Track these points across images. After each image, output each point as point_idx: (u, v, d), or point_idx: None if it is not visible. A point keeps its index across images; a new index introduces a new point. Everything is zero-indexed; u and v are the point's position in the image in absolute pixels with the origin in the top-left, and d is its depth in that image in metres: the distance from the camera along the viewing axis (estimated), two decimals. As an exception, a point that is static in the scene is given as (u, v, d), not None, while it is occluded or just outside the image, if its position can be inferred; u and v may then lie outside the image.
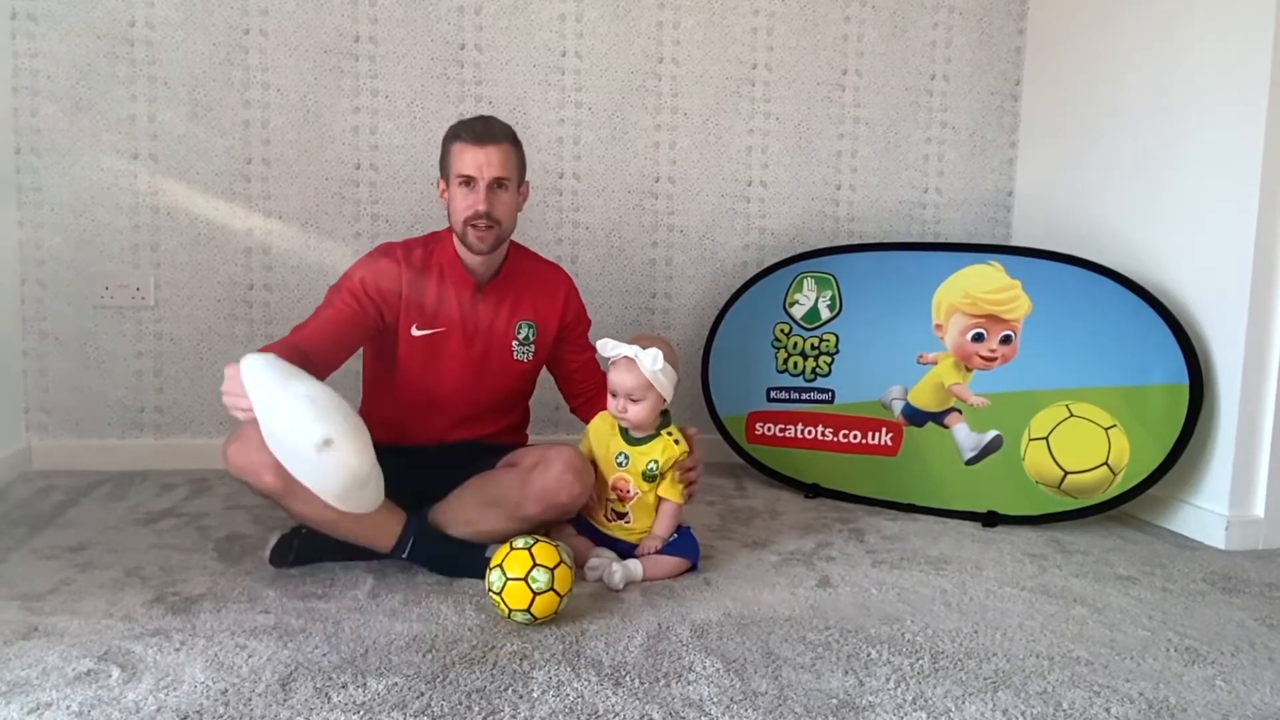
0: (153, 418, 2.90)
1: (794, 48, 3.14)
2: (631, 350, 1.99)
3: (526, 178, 2.17)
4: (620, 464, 2.07)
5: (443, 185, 2.12)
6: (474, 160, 2.03)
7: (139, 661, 1.56)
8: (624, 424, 2.06)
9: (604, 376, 2.24)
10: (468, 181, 2.04)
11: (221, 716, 1.39)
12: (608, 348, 2.03)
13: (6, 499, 2.51)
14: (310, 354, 1.92)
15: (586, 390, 2.32)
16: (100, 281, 2.81)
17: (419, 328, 2.11)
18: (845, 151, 3.21)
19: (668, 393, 2.03)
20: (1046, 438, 2.52)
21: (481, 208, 2.03)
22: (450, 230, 2.15)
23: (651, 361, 1.97)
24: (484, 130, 2.05)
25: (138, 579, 1.94)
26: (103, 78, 2.75)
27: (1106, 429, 2.45)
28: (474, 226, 2.04)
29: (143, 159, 2.80)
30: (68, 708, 1.40)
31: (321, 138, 2.88)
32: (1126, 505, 2.48)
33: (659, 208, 3.12)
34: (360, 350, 2.17)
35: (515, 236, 2.20)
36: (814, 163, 3.20)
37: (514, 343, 2.19)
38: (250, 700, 1.44)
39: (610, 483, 2.08)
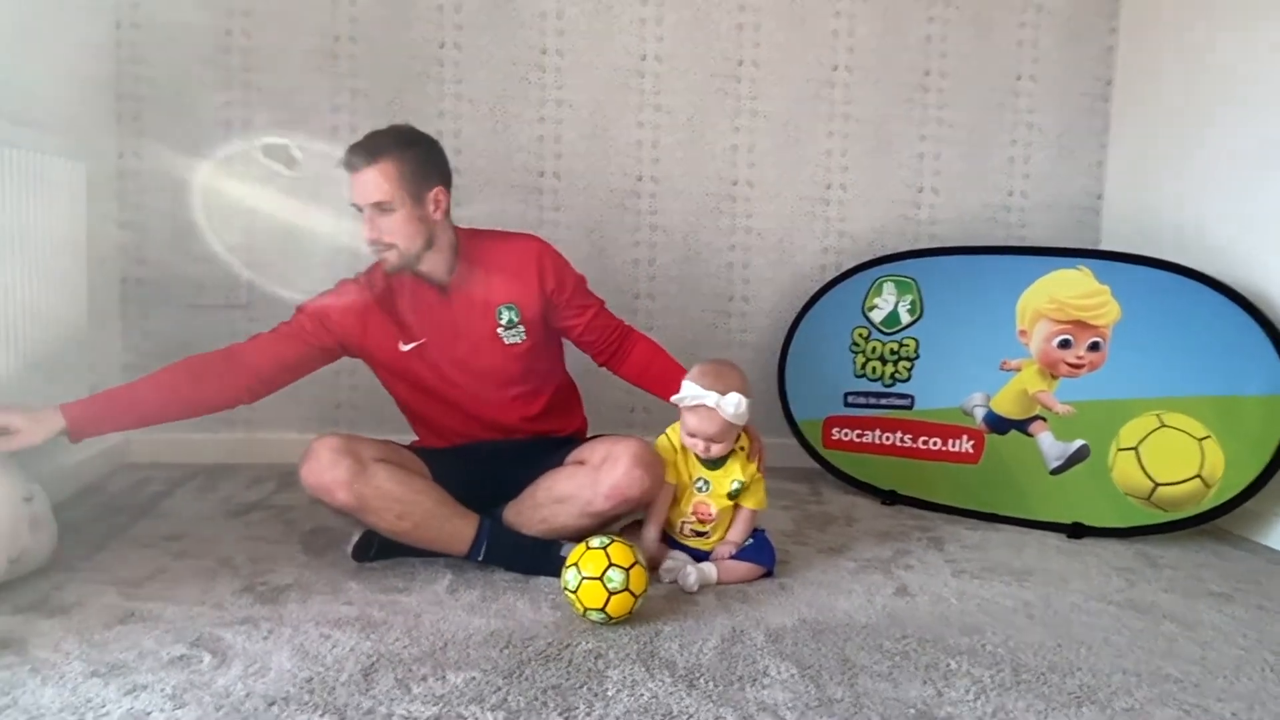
0: (243, 413, 2.96)
1: (875, 49, 3.10)
2: (711, 400, 1.95)
3: (436, 184, 2.04)
4: (700, 489, 2.05)
5: None
6: (352, 189, 1.99)
7: (229, 648, 1.62)
8: (704, 458, 2.04)
9: (619, 325, 2.24)
10: (358, 210, 2.01)
11: (306, 704, 1.43)
12: (685, 400, 1.98)
13: (106, 489, 2.62)
14: (242, 370, 2.06)
15: (607, 345, 2.24)
16: (196, 282, 2.92)
17: (404, 342, 2.11)
18: (927, 154, 3.16)
19: (746, 421, 2.01)
20: (1136, 448, 2.44)
21: (368, 235, 2.01)
22: None
23: (734, 408, 1.94)
24: (352, 156, 1.98)
25: (228, 568, 2.01)
26: (201, 83, 2.86)
27: (1200, 440, 2.37)
28: (374, 253, 2.04)
29: (235, 161, 2.90)
30: (162, 690, 1.46)
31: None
32: (1220, 519, 2.39)
33: (736, 211, 3.12)
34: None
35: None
36: (895, 165, 3.15)
37: (499, 329, 2.12)
38: (334, 689, 1.48)
39: (690, 509, 2.06)
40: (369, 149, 1.98)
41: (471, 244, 2.14)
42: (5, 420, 1.85)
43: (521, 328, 2.13)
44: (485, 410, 2.16)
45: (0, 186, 2.01)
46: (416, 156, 2.01)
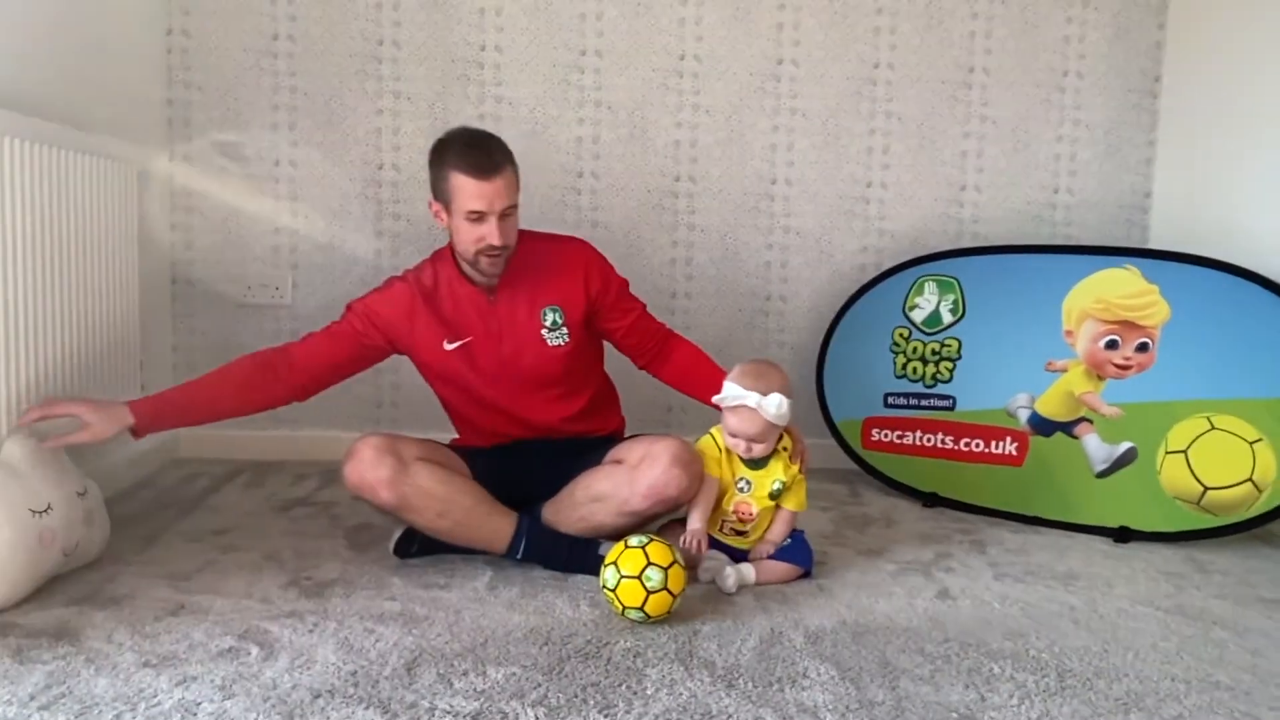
0: (288, 411, 2.99)
1: (918, 46, 3.07)
2: (753, 400, 1.95)
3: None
4: (742, 489, 2.05)
5: (437, 207, 2.08)
6: (481, 196, 1.97)
7: (276, 641, 1.65)
8: (746, 458, 2.04)
9: (661, 328, 2.26)
10: (478, 216, 1.99)
11: (351, 697, 1.45)
12: (727, 400, 1.99)
13: (156, 484, 2.68)
14: (298, 369, 2.09)
15: (647, 349, 2.25)
16: (243, 281, 2.97)
17: (449, 341, 2.12)
18: (970, 151, 3.12)
19: (787, 422, 2.00)
20: (1185, 451, 2.40)
21: (497, 242, 2.00)
22: (449, 245, 2.15)
23: (776, 408, 1.94)
24: (487, 162, 1.97)
25: (274, 563, 2.05)
26: (248, 87, 2.91)
27: (1251, 443, 2.32)
28: (487, 255, 2.03)
29: (283, 165, 2.95)
30: (212, 681, 1.49)
31: (448, 143, 2.98)
32: (1272, 524, 2.34)
33: (775, 210, 3.11)
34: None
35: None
36: (937, 163, 3.12)
37: (543, 330, 2.13)
38: (378, 682, 1.50)
39: (732, 508, 2.06)
40: (503, 154, 2.01)
41: (522, 244, 2.15)
42: (77, 411, 1.90)
43: (565, 329, 2.15)
44: (526, 410, 2.18)
45: (56, 188, 2.06)
46: (515, 163, 2.07)
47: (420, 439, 2.08)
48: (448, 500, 1.97)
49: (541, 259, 2.16)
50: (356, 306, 2.15)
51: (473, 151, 1.99)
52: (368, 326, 2.12)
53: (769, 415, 1.95)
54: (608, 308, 2.20)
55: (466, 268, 2.11)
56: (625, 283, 2.25)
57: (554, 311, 2.14)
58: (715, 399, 2.03)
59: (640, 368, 2.31)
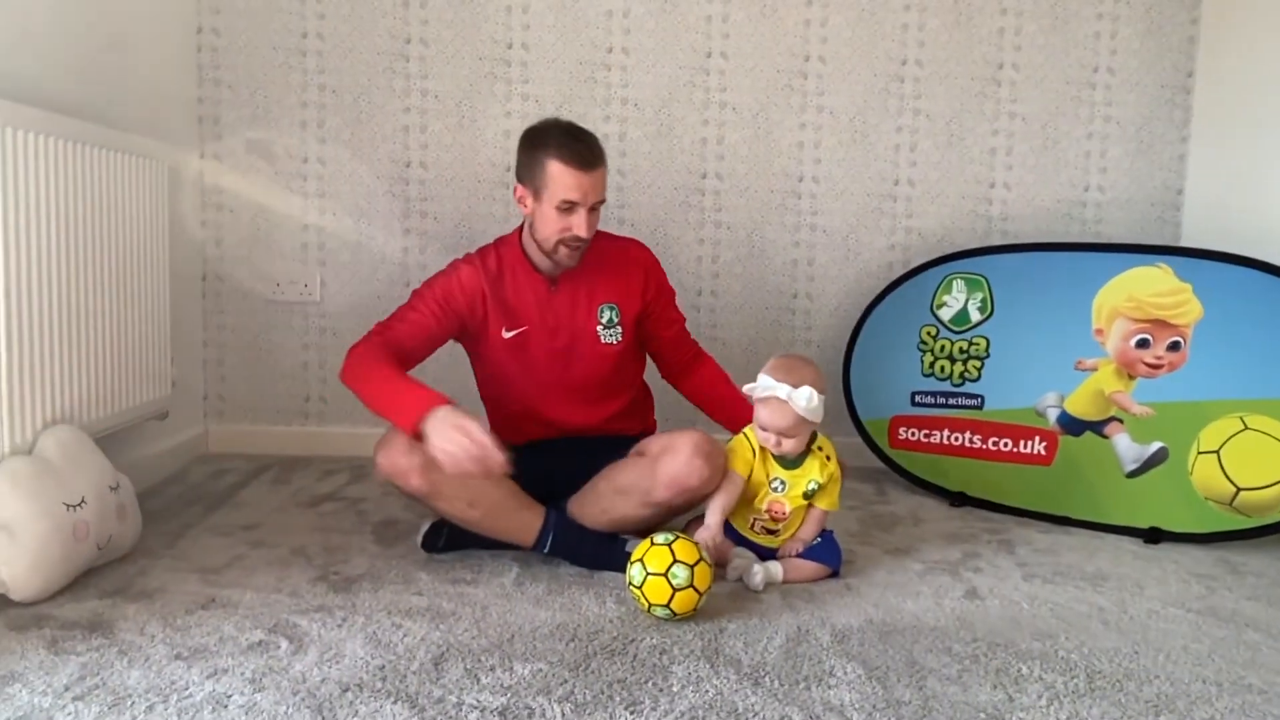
0: (317, 407, 3.08)
1: (947, 42, 3.05)
2: (783, 392, 1.94)
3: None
4: (776, 489, 2.04)
5: (522, 192, 2.10)
6: (580, 186, 2.01)
7: (305, 635, 1.66)
8: (777, 453, 2.03)
9: (695, 345, 2.32)
10: (570, 207, 2.02)
11: (379, 691, 1.47)
12: (757, 390, 1.98)
13: (186, 479, 2.71)
14: (407, 355, 2.06)
15: (679, 362, 2.31)
16: (272, 278, 3.00)
17: (507, 329, 2.15)
18: (999, 148, 3.10)
19: (820, 418, 1.98)
20: (1217, 451, 2.37)
21: (583, 234, 2.03)
22: (516, 232, 2.18)
23: (806, 401, 1.93)
24: (588, 154, 2.02)
25: (303, 558, 2.07)
26: (277, 85, 2.94)
27: (1286, 444, 2.29)
28: (568, 246, 2.06)
29: (312, 163, 2.97)
30: (242, 674, 1.51)
31: (475, 141, 2.99)
32: (1308, 526, 2.31)
33: (802, 207, 3.10)
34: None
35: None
36: (965, 160, 3.10)
37: (598, 327, 2.17)
38: (405, 677, 1.51)
39: (765, 507, 2.05)
40: (600, 149, 2.07)
41: None
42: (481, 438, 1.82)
43: (619, 329, 2.19)
44: (566, 408, 2.20)
45: (90, 186, 2.09)
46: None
47: None
48: (478, 491, 1.97)
49: (602, 256, 2.19)
50: (434, 293, 2.13)
51: (575, 143, 2.03)
52: (448, 310, 2.12)
53: (799, 408, 1.94)
54: (657, 314, 2.26)
55: (536, 255, 2.14)
56: (674, 293, 2.32)
57: (610, 309, 2.18)
58: (746, 389, 2.03)
59: (664, 377, 2.38)
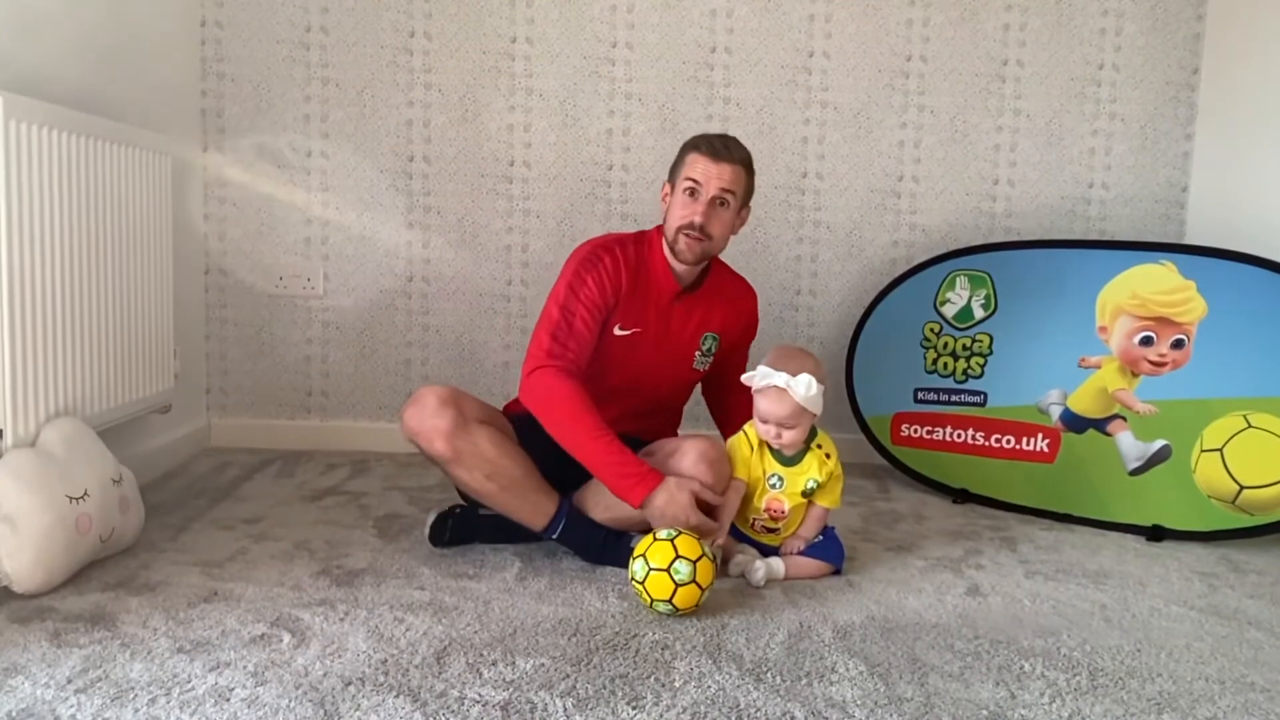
0: (319, 401, 3.07)
1: (951, 39, 3.04)
2: (781, 380, 1.94)
3: (748, 206, 2.16)
4: (774, 485, 2.04)
5: (667, 189, 2.14)
6: (704, 171, 2.05)
7: (307, 629, 1.66)
8: (777, 446, 2.03)
9: (739, 380, 2.24)
10: (693, 191, 2.05)
11: (381, 685, 1.47)
12: (756, 378, 1.98)
13: (189, 473, 2.71)
14: (585, 373, 2.05)
15: (737, 406, 2.24)
16: (274, 271, 3.00)
17: (622, 327, 2.13)
18: (1004, 145, 3.09)
19: (819, 409, 1.98)
20: (1221, 449, 2.36)
21: (698, 220, 2.04)
22: (658, 231, 2.17)
23: (805, 389, 1.93)
24: (723, 147, 2.07)
25: (305, 551, 2.07)
26: (280, 79, 2.93)
27: (1290, 442, 2.28)
28: (686, 234, 2.06)
29: (315, 156, 2.97)
30: (244, 668, 1.51)
31: (478, 135, 2.99)
32: (1311, 525, 2.30)
33: (805, 204, 3.09)
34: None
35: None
36: (970, 157, 3.09)
37: (697, 352, 2.21)
38: (408, 671, 1.51)
39: (763, 506, 2.05)
40: (741, 151, 2.11)
41: (716, 268, 2.25)
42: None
43: (711, 359, 2.24)
44: (626, 407, 2.17)
45: (95, 179, 2.09)
46: (752, 178, 2.15)
47: (480, 400, 2.08)
48: (499, 465, 1.96)
49: (721, 288, 2.24)
50: (590, 294, 2.06)
51: (715, 138, 2.10)
52: (604, 305, 2.08)
53: (798, 396, 1.93)
54: (736, 359, 2.30)
55: (669, 255, 2.13)
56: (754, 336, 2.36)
57: (713, 339, 2.22)
58: (744, 378, 2.03)
59: (717, 421, 2.37)
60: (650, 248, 2.17)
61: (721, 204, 2.07)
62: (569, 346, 2.02)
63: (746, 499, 2.05)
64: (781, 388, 1.94)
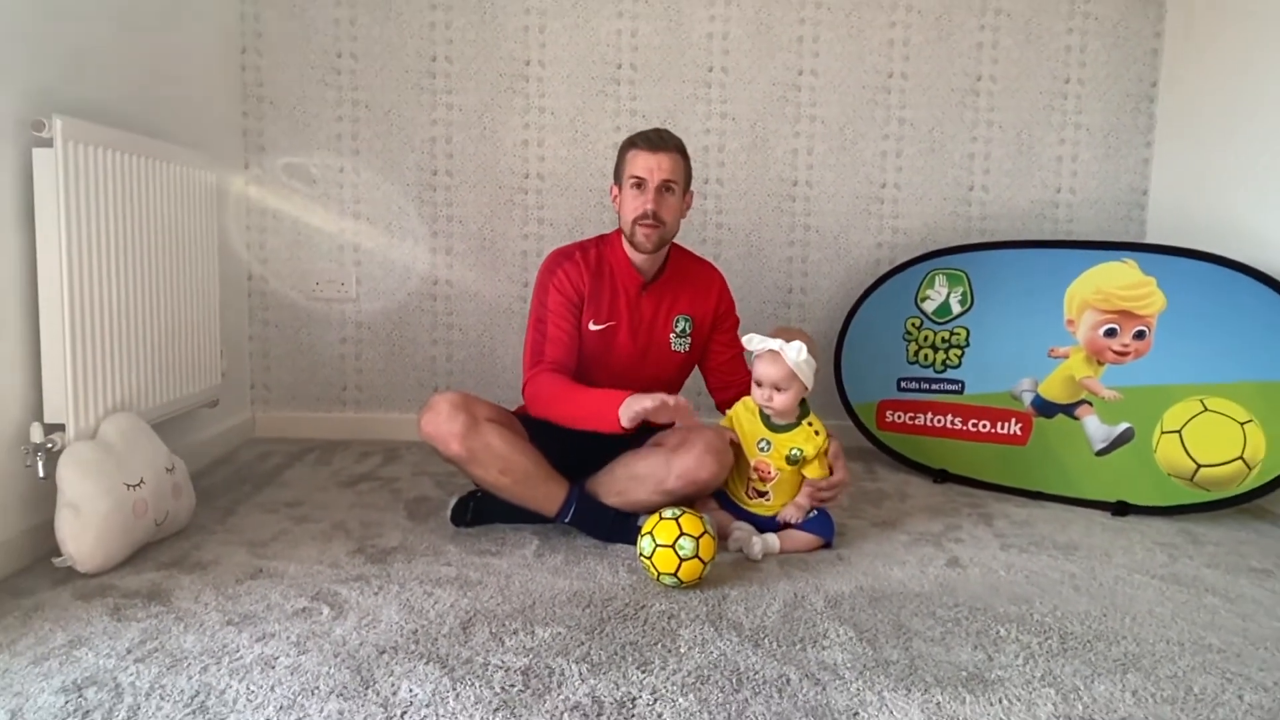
0: (353, 395, 3.08)
1: (929, 57, 3.03)
2: (776, 344, 1.98)
3: (690, 189, 2.18)
4: (762, 449, 2.05)
5: (615, 190, 2.15)
6: (646, 164, 2.06)
7: (344, 602, 1.67)
8: (768, 411, 2.04)
9: (747, 375, 2.22)
10: (639, 184, 2.07)
11: (413, 653, 1.47)
12: (753, 342, 2.02)
13: (235, 461, 2.72)
14: (571, 368, 2.10)
15: (731, 384, 2.27)
16: (312, 277, 3.00)
17: (595, 322, 2.15)
18: (978, 154, 3.08)
19: (809, 382, 2.00)
20: (1179, 431, 2.36)
21: (650, 208, 2.06)
22: (618, 232, 2.18)
23: (796, 353, 1.96)
24: (656, 138, 2.09)
25: (342, 532, 2.08)
26: (314, 101, 2.94)
27: (1242, 424, 2.27)
28: (642, 225, 2.07)
29: (347, 172, 2.97)
30: (288, 638, 1.51)
31: (495, 151, 2.99)
32: (1262, 499, 2.29)
33: (796, 210, 3.08)
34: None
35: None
36: (947, 165, 3.08)
37: (672, 335, 2.20)
38: (436, 640, 1.52)
39: (753, 464, 2.07)
40: (673, 140, 2.11)
41: (676, 254, 2.24)
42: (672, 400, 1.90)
43: (688, 339, 2.22)
44: None
45: (144, 195, 2.10)
46: (689, 163, 2.16)
47: (490, 402, 2.09)
48: (511, 460, 1.97)
49: (685, 272, 2.23)
50: (558, 301, 2.12)
51: (650, 133, 2.11)
52: (573, 309, 2.12)
53: (789, 359, 1.96)
54: (722, 334, 2.27)
55: (629, 249, 2.15)
56: (738, 321, 2.32)
57: (685, 320, 2.21)
58: (743, 340, 2.05)
59: (710, 391, 2.33)
60: (611, 247, 2.18)
61: (668, 190, 2.08)
62: (547, 353, 2.08)
63: (742, 460, 2.07)
64: (776, 350, 1.97)
